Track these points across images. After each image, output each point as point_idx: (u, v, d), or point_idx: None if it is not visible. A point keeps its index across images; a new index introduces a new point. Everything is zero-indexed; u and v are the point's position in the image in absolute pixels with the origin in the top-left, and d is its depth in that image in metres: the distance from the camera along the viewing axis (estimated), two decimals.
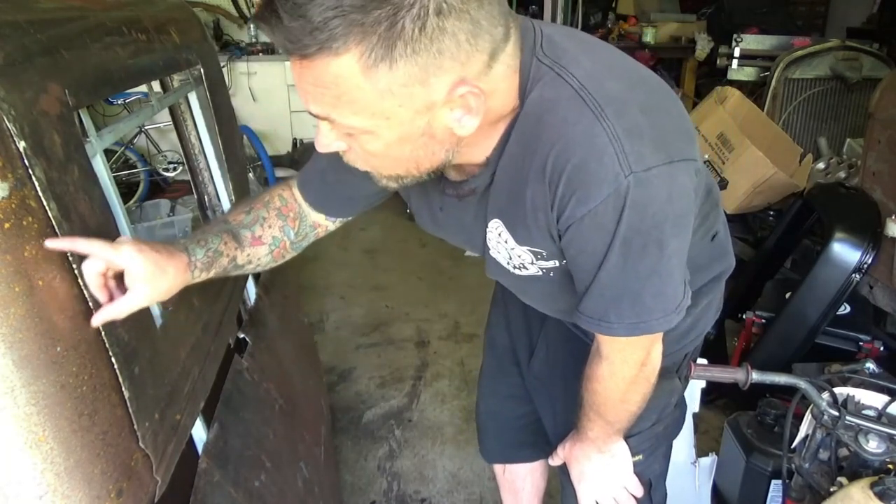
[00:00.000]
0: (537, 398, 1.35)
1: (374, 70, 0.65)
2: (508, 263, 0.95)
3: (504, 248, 0.92)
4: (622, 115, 0.74)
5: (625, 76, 0.81)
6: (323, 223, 1.08)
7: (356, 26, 0.62)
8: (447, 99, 0.70)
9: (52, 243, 0.64)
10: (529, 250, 0.89)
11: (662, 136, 0.77)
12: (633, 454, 1.13)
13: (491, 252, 0.96)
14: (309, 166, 1.04)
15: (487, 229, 0.92)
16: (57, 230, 0.63)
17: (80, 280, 0.66)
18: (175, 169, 4.72)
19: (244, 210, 1.01)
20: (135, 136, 4.64)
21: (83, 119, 0.79)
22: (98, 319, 0.70)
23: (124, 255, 0.73)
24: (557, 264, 0.89)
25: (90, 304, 0.68)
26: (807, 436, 1.20)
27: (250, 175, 4.42)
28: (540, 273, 0.93)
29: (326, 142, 0.77)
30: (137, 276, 0.75)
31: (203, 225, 1.04)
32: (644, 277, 0.83)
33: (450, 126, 0.73)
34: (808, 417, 1.20)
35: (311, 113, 0.73)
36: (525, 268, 0.93)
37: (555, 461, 1.20)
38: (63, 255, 0.64)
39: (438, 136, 0.74)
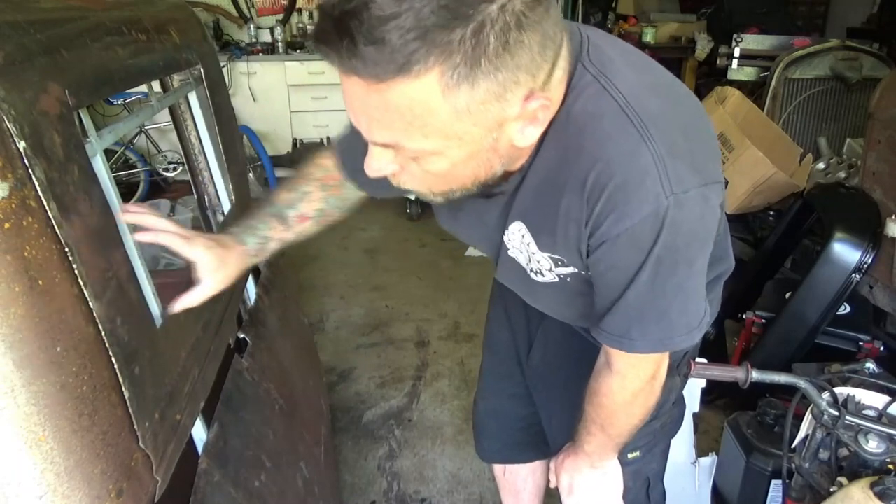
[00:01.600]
0: (536, 396, 1.35)
1: (456, 90, 0.62)
2: (527, 265, 0.94)
3: (526, 250, 0.91)
4: (665, 135, 0.74)
5: (666, 93, 0.80)
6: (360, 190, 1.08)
7: (439, 46, 0.58)
8: (520, 113, 0.68)
9: (131, 217, 0.80)
10: (550, 257, 0.89)
11: (699, 158, 0.78)
12: (631, 450, 1.13)
13: (510, 252, 0.94)
14: (346, 136, 1.00)
15: (508, 230, 0.91)
16: (57, 230, 0.63)
17: (80, 280, 0.66)
18: (175, 169, 4.72)
19: (288, 188, 1.05)
20: (135, 136, 4.64)
21: (83, 119, 0.78)
22: (177, 307, 0.88)
23: (196, 251, 0.90)
24: (575, 271, 0.89)
25: (90, 304, 0.68)
26: (807, 436, 1.20)
27: (250, 175, 4.42)
28: (556, 280, 0.92)
29: (379, 166, 0.73)
30: (206, 269, 0.91)
31: (252, 208, 1.07)
32: (672, 295, 0.83)
33: (513, 138, 0.71)
34: (808, 417, 1.20)
35: (374, 142, 0.70)
36: (542, 273, 0.93)
37: (552, 481, 1.19)
38: (63, 255, 0.64)
39: (501, 149, 0.72)
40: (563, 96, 0.75)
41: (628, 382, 0.95)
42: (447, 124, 0.65)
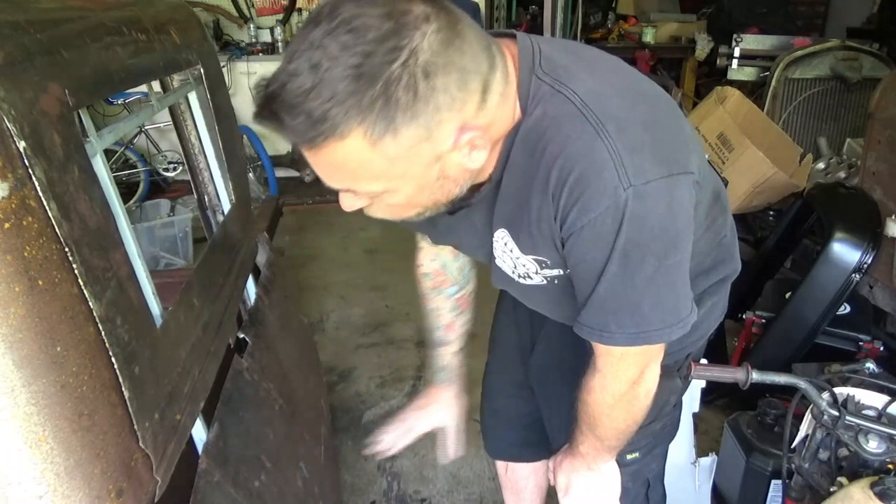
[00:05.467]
0: (538, 394, 1.35)
1: (381, 142, 0.68)
2: (514, 272, 0.96)
3: (509, 257, 0.93)
4: (623, 131, 0.76)
5: (626, 92, 0.83)
6: (452, 251, 1.22)
7: (354, 110, 0.65)
8: (454, 146, 0.73)
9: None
10: (534, 259, 0.91)
11: (663, 149, 0.79)
12: (630, 452, 1.13)
13: (497, 261, 0.98)
14: None
15: (494, 239, 0.94)
16: (57, 230, 0.63)
17: (80, 280, 0.66)
18: (175, 169, 4.72)
19: (426, 317, 1.30)
20: (135, 136, 4.64)
21: (83, 119, 0.79)
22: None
23: (433, 421, 1.37)
24: (561, 272, 0.91)
25: (90, 304, 0.68)
26: (807, 436, 1.20)
27: (250, 175, 4.43)
28: (544, 282, 0.94)
29: (349, 203, 0.80)
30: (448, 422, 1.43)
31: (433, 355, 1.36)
32: (642, 288, 0.83)
33: (461, 163, 0.76)
34: (808, 417, 1.20)
35: (332, 187, 0.77)
36: (530, 277, 0.95)
37: (551, 479, 1.20)
38: (63, 255, 0.64)
39: (452, 175, 0.78)
40: (524, 108, 0.80)
41: (608, 382, 0.95)
42: (385, 170, 0.71)
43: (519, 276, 0.96)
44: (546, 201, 0.81)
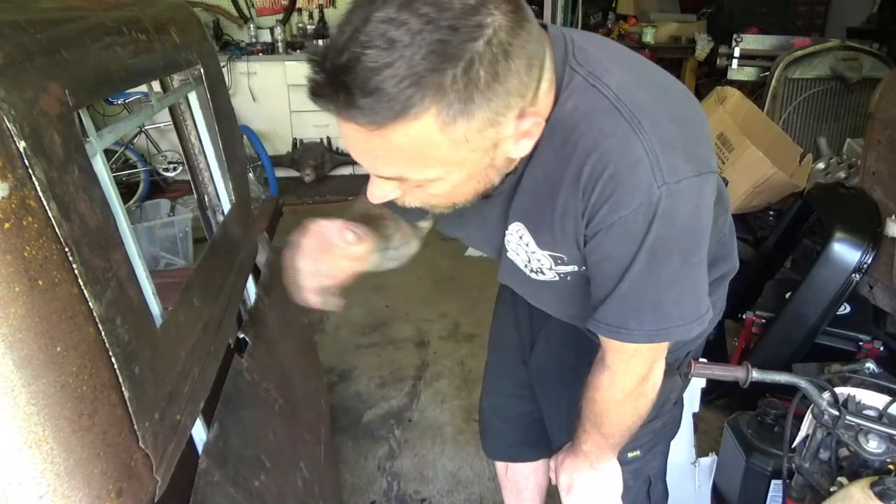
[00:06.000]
0: (539, 394, 1.35)
1: (453, 125, 0.64)
2: (526, 266, 0.95)
3: (524, 250, 0.92)
4: (656, 126, 0.75)
5: (653, 86, 0.82)
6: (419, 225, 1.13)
7: (432, 88, 0.61)
8: (514, 132, 0.71)
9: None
10: (550, 255, 0.90)
11: (692, 147, 0.79)
12: (631, 449, 1.13)
13: (508, 254, 0.96)
14: None
15: (507, 231, 0.93)
16: (57, 230, 0.63)
17: (80, 280, 0.66)
18: (175, 169, 4.72)
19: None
20: (135, 136, 4.64)
21: (83, 119, 0.78)
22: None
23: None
24: (576, 269, 0.90)
25: (90, 304, 0.68)
26: (807, 435, 1.20)
27: (250, 175, 4.43)
28: (557, 278, 0.93)
29: (382, 193, 0.76)
30: None
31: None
32: (665, 286, 0.83)
33: (508, 152, 0.74)
34: (808, 417, 1.20)
35: (378, 176, 0.73)
36: (543, 272, 0.94)
37: (552, 478, 1.20)
38: (63, 255, 0.64)
39: (498, 164, 0.75)
40: (555, 99, 0.77)
41: (618, 379, 0.95)
42: (447, 155, 0.68)
43: (531, 271, 0.95)
44: (574, 197, 0.79)
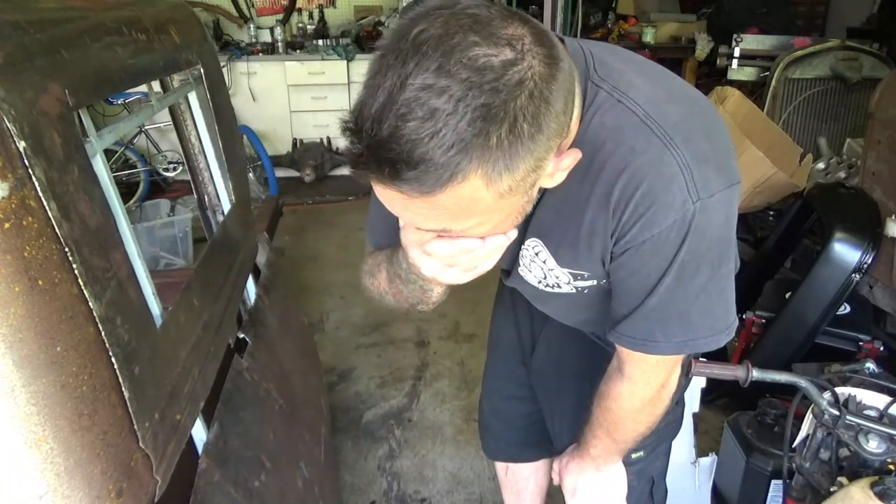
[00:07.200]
0: (539, 395, 1.35)
1: (498, 180, 0.61)
2: (540, 283, 0.94)
3: (540, 267, 0.91)
4: (689, 141, 0.74)
5: (681, 99, 0.80)
6: None
7: (478, 151, 0.58)
8: (553, 170, 0.69)
9: None
10: (570, 272, 0.89)
11: (722, 159, 0.78)
12: (635, 450, 1.13)
13: (520, 269, 0.96)
14: (373, 224, 0.99)
15: (523, 246, 0.92)
16: (57, 230, 0.63)
17: (80, 280, 0.66)
18: (175, 169, 4.72)
19: None
20: (135, 136, 4.64)
21: (83, 119, 0.78)
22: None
23: None
24: (595, 283, 0.89)
25: (90, 304, 0.68)
26: (807, 435, 1.20)
27: (250, 175, 4.43)
28: (573, 291, 0.92)
29: (416, 239, 0.73)
30: None
31: None
32: (693, 297, 0.82)
33: (544, 184, 0.72)
34: (808, 417, 1.20)
35: (419, 228, 0.70)
36: (559, 287, 0.93)
37: (556, 479, 1.20)
38: (63, 255, 0.64)
39: (533, 195, 0.72)
40: (581, 116, 0.75)
41: (638, 388, 0.94)
42: (492, 205, 0.65)
43: (546, 286, 0.94)
44: (604, 216, 0.78)
